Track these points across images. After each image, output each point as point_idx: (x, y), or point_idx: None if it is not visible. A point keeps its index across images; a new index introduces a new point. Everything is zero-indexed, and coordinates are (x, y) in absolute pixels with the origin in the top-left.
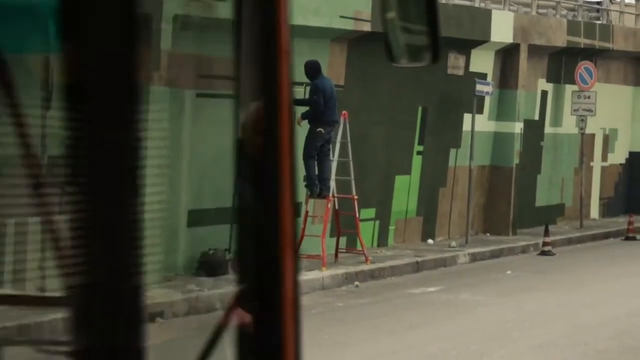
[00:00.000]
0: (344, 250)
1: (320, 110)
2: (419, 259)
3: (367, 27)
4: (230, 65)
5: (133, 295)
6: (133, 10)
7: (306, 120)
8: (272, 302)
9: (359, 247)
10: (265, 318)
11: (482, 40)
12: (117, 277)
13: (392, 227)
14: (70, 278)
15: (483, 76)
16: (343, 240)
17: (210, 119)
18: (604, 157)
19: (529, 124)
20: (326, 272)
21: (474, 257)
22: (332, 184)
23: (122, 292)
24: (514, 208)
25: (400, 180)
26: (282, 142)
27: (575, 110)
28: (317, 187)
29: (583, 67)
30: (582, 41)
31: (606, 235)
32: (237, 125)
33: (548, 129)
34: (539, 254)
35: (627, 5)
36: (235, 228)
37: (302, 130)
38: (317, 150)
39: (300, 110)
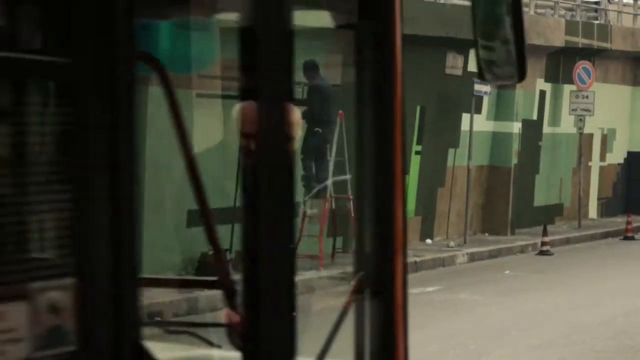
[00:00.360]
0: (341, 250)
1: (318, 110)
2: (417, 259)
3: None
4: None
5: (287, 285)
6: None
7: (304, 120)
8: (388, 287)
9: None
10: (383, 300)
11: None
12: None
13: None
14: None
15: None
16: (340, 240)
17: (211, 119)
18: (602, 157)
19: (527, 124)
20: (323, 272)
21: (473, 257)
22: (329, 184)
23: (279, 283)
24: (513, 208)
25: None
26: (396, 157)
27: (573, 110)
28: (315, 186)
29: (581, 67)
30: (581, 41)
31: (604, 235)
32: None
33: (546, 129)
34: (537, 254)
35: (625, 5)
36: (358, 227)
37: (300, 130)
38: (314, 150)
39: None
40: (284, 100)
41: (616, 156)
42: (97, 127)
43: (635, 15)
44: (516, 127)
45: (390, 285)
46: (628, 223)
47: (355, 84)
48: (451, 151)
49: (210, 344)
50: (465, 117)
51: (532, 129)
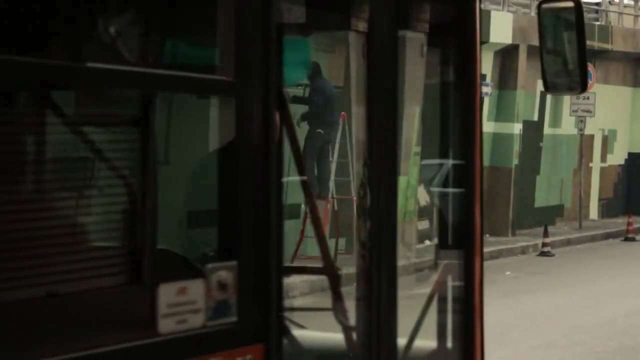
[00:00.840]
0: (343, 252)
1: (320, 112)
2: (417, 260)
3: None
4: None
5: (391, 273)
6: None
7: (306, 122)
8: (468, 275)
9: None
10: (464, 286)
11: (481, 41)
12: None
13: None
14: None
15: (482, 77)
16: (342, 242)
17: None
18: (603, 158)
19: (528, 125)
20: None
21: None
22: (332, 185)
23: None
24: (513, 209)
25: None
26: (476, 155)
27: (574, 111)
28: (317, 188)
29: None
30: None
31: (605, 236)
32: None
33: (547, 130)
34: (538, 255)
35: (626, 6)
36: (442, 225)
37: (302, 131)
38: (316, 151)
39: (300, 111)
40: (394, 99)
41: (617, 157)
42: (253, 136)
43: (636, 16)
44: (517, 128)
45: (470, 273)
46: (629, 224)
47: (442, 86)
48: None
49: (300, 326)
50: None
51: (533, 129)
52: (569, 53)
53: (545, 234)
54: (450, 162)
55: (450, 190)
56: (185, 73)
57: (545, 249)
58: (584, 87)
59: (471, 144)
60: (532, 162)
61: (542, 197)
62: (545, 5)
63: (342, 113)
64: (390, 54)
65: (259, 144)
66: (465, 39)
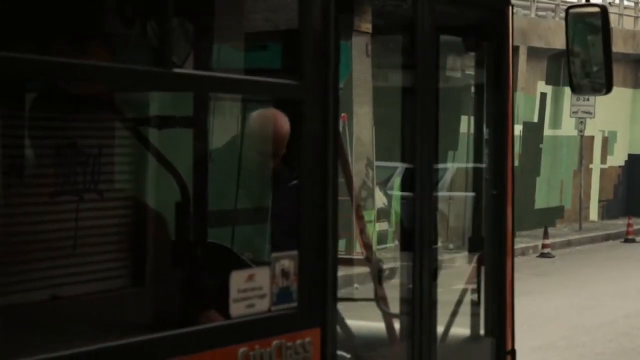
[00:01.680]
0: (343, 252)
1: None
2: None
3: None
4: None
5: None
6: None
7: None
8: (500, 265)
9: (357, 249)
10: (497, 273)
11: None
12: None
13: (391, 229)
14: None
15: None
16: (342, 242)
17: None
18: (603, 160)
19: (528, 126)
20: None
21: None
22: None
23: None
24: (513, 210)
25: (398, 183)
26: (508, 153)
27: (574, 112)
28: None
29: None
30: None
31: (605, 238)
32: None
33: (547, 131)
34: (538, 256)
35: (626, 7)
36: (476, 219)
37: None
38: None
39: None
40: (434, 95)
41: (617, 158)
42: (318, 137)
43: (636, 17)
44: (517, 129)
45: (503, 263)
46: (629, 225)
47: (477, 87)
48: (450, 153)
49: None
50: (465, 118)
51: (533, 131)
52: (594, 56)
53: (545, 235)
54: (453, 165)
55: (476, 193)
56: (259, 78)
57: (545, 251)
58: (609, 88)
59: (503, 147)
60: (532, 164)
61: (542, 199)
62: (572, 11)
63: (343, 114)
64: (431, 58)
65: (322, 145)
66: (497, 43)
